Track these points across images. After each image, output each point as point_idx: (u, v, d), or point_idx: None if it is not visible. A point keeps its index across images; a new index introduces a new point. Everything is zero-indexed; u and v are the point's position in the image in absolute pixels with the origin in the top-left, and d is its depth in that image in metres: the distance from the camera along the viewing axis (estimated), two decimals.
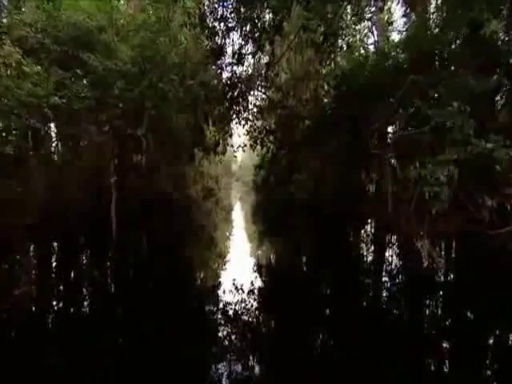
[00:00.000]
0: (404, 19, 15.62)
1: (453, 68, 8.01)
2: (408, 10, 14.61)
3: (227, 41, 9.27)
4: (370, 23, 17.37)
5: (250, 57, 10.21)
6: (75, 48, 7.39)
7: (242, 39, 9.08)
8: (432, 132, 6.55)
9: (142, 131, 8.25)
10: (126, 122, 7.65)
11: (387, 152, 9.37)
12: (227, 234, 11.55)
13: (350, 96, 10.14)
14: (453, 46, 8.38)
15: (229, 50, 11.09)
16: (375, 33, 16.73)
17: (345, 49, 13.25)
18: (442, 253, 7.68)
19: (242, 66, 9.97)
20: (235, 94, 11.12)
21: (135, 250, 8.02)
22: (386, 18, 16.40)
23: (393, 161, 9.69)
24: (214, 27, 8.75)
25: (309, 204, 16.82)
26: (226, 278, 5.73)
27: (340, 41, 17.57)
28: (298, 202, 18.35)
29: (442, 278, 6.25)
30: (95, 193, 9.21)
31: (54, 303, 4.82)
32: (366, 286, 5.77)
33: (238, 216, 17.76)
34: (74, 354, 3.30)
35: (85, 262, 7.09)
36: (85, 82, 7.47)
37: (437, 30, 8.84)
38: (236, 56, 9.44)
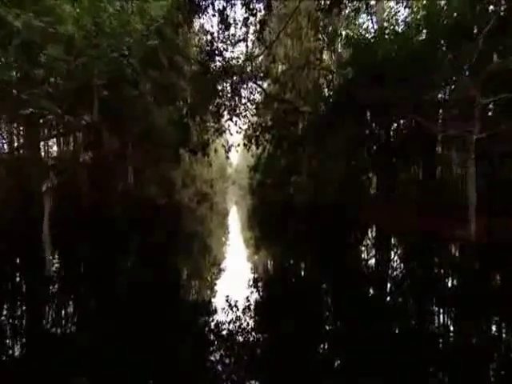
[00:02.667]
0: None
1: None
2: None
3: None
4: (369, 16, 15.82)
5: (239, 22, 8.08)
6: None
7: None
8: None
9: (93, 119, 6.15)
10: (64, 104, 5.58)
11: (474, 131, 6.15)
12: (223, 240, 9.91)
13: (371, 70, 8.05)
14: None
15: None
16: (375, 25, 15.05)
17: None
18: None
19: (228, 30, 7.90)
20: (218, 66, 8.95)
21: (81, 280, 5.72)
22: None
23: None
24: None
25: (309, 208, 15.33)
26: (219, 294, 4.71)
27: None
28: (298, 206, 16.83)
29: None
30: (21, 204, 7.03)
31: None
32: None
33: (235, 221, 15.97)
34: None
35: None
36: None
37: None
38: (220, 18, 7.31)
